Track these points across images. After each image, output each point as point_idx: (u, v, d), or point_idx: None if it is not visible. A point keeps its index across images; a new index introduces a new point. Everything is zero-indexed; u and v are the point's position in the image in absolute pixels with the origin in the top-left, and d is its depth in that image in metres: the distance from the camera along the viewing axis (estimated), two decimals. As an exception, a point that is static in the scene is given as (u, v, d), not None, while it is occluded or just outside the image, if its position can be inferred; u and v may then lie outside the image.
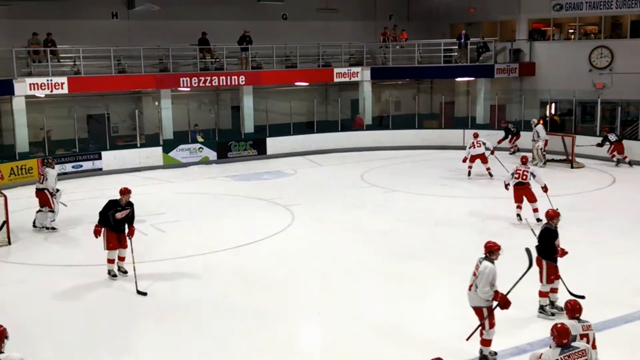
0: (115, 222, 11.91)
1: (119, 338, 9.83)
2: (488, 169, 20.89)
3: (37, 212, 15.91)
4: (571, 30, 28.50)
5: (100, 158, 23.14)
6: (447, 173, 22.01)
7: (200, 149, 24.90)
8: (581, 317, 7.37)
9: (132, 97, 26.11)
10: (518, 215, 15.53)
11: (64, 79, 22.66)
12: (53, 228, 15.74)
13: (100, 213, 11.97)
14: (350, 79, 28.13)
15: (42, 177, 15.86)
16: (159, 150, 24.24)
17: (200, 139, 25.38)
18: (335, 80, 28.01)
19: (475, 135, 20.92)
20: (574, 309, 7.39)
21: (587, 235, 14.65)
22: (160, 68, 25.09)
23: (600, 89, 26.06)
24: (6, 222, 11.14)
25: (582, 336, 7.11)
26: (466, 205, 17.73)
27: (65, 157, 22.44)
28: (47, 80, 22.34)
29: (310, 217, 16.72)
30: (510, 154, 24.20)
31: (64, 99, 23.84)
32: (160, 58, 25.13)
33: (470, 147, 20.79)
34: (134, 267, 11.64)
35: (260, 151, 25.95)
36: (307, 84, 28.03)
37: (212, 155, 25.05)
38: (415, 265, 12.79)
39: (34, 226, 15.87)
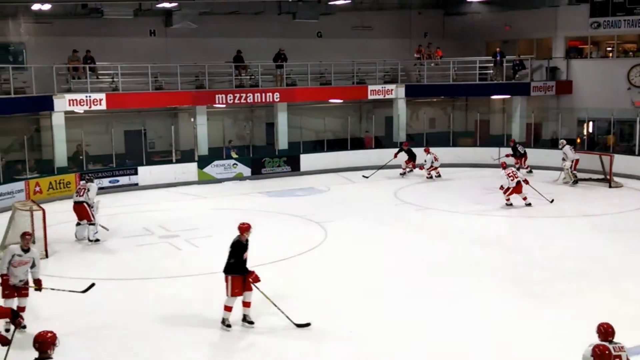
0: (242, 264, 10.62)
1: (149, 352, 9.88)
2: (438, 173, 24.57)
3: (77, 225, 16.20)
4: (609, 48, 28.11)
5: (136, 173, 23.45)
6: (482, 191, 21.80)
7: (235, 165, 25.07)
8: (614, 340, 7.26)
9: (169, 113, 26.46)
10: (511, 204, 19.09)
11: (103, 96, 23.07)
12: (97, 240, 15.97)
13: (235, 260, 10.56)
14: (384, 96, 28.13)
15: (82, 190, 16.11)
16: (194, 166, 24.48)
17: (234, 155, 25.57)
18: (370, 97, 28.03)
19: (428, 151, 24.33)
20: (607, 332, 7.33)
21: (627, 257, 14.36)
22: (196, 85, 25.40)
23: (638, 107, 25.63)
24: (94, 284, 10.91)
25: (614, 357, 7.02)
26: (501, 223, 17.56)
27: (102, 172, 22.79)
28: (86, 97, 22.76)
29: (343, 234, 16.68)
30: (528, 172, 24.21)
31: (102, 114, 24.24)
32: (197, 75, 25.44)
33: (433, 162, 24.11)
34: (275, 305, 10.70)
35: (294, 167, 26.05)
36: (341, 101, 28.10)
37: (246, 171, 25.21)
38: (449, 284, 12.62)
39: (77, 238, 16.22)
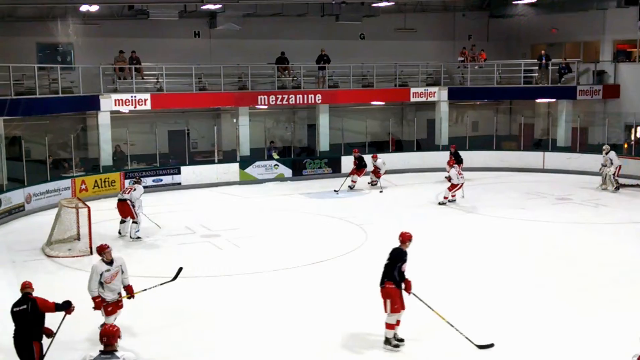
0: (401, 275, 9.85)
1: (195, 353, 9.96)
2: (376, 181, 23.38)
3: (121, 222, 16.51)
4: (659, 52, 27.47)
5: (179, 173, 23.71)
6: (526, 196, 21.49)
7: (276, 166, 25.16)
8: None
9: (211, 114, 26.70)
10: (444, 203, 20.11)
11: (147, 96, 23.40)
12: (138, 237, 16.23)
13: (392, 268, 9.79)
14: (427, 98, 27.93)
15: (129, 190, 16.43)
16: (235, 166, 24.65)
17: (275, 156, 25.67)
18: (412, 100, 27.86)
19: (376, 157, 23.32)
20: None
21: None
22: (239, 86, 25.58)
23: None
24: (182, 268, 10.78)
25: None
26: (545, 229, 17.22)
27: (146, 171, 23.11)
28: (132, 97, 23.12)
29: (383, 237, 16.49)
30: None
31: (147, 114, 24.57)
32: (239, 76, 25.62)
33: (384, 164, 23.30)
34: (451, 324, 9.92)
35: (335, 169, 26.02)
36: (383, 103, 27.99)
37: (287, 172, 25.28)
38: (492, 292, 12.45)
39: (119, 234, 16.59)
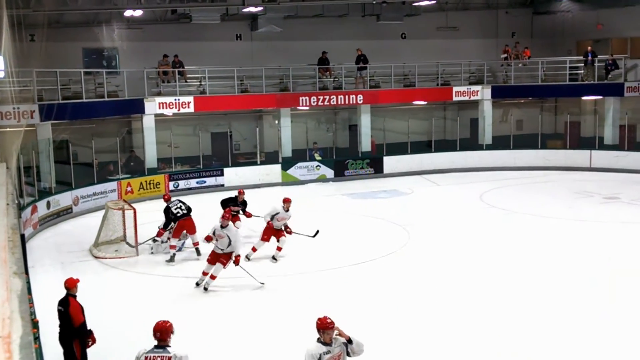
0: None
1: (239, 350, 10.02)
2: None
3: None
4: None
5: (222, 174, 23.92)
6: (572, 195, 21.11)
7: (318, 167, 25.19)
8: None
9: (253, 115, 26.87)
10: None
11: (191, 99, 23.68)
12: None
13: None
14: (469, 97, 27.64)
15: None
16: (277, 167, 24.77)
17: (317, 157, 25.70)
18: (454, 99, 27.62)
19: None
20: None
21: None
22: (280, 87, 25.69)
23: None
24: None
25: None
26: (594, 230, 16.86)
27: (189, 173, 23.38)
28: (175, 100, 23.42)
29: (426, 238, 16.47)
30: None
31: (190, 117, 24.85)
32: (281, 78, 25.73)
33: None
34: None
35: (377, 170, 25.95)
36: (425, 102, 27.80)
37: (329, 173, 25.29)
38: (537, 294, 12.23)
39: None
